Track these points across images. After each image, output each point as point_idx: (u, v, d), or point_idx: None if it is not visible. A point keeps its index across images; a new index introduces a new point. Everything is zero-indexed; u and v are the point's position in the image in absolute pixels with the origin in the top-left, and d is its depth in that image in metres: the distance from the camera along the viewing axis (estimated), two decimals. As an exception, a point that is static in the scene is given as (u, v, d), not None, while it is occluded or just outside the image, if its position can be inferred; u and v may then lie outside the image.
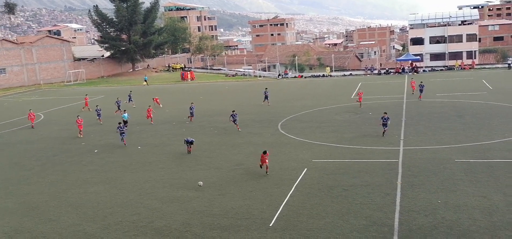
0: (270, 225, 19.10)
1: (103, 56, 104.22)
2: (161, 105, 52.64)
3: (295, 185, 23.69)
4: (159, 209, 21.70)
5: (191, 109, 43.77)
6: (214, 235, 18.50)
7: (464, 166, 24.77)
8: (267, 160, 25.59)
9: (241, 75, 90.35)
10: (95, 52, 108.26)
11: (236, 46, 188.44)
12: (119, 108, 48.00)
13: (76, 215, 21.61)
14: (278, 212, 20.35)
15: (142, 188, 25.01)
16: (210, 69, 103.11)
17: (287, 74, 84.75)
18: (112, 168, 29.22)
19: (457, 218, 18.39)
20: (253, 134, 36.32)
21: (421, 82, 49.89)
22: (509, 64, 72.98)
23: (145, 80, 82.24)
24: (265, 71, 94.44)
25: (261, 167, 25.94)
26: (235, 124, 37.69)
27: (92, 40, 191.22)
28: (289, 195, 22.32)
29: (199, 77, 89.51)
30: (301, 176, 25.07)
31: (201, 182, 23.49)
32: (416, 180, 23.21)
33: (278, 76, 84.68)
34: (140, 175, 27.38)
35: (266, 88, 51.89)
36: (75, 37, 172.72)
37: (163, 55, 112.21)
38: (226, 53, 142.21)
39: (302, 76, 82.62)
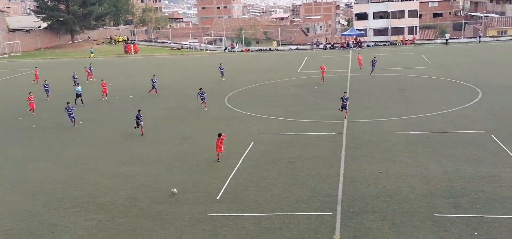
0: (217, 198, 19.15)
1: (39, 27, 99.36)
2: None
3: (242, 159, 23.79)
4: (103, 185, 21.21)
5: (152, 81, 42.82)
6: (161, 209, 18.34)
7: (404, 138, 25.75)
8: (223, 147, 23.31)
9: (187, 48, 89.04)
10: (31, 23, 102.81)
11: (181, 18, 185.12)
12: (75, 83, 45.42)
13: (16, 192, 20.74)
14: (225, 185, 20.41)
15: (85, 164, 24.31)
16: (154, 42, 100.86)
17: (233, 47, 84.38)
18: (55, 144, 28.19)
19: (397, 187, 19.15)
20: (200, 108, 36.00)
21: (374, 57, 50.34)
22: (447, 39, 76.01)
23: (91, 52, 79.50)
24: (211, 44, 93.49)
25: (218, 158, 23.43)
26: (204, 102, 35.33)
27: (28, 10, 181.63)
28: (236, 168, 22.41)
29: (143, 50, 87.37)
30: (248, 150, 25.20)
31: (175, 190, 20.04)
32: (359, 152, 23.92)
33: (225, 49, 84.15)
34: (84, 151, 26.58)
35: (221, 63, 51.22)
36: (9, 7, 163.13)
37: (105, 27, 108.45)
38: (171, 26, 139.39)
39: (248, 50, 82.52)
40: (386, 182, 19.74)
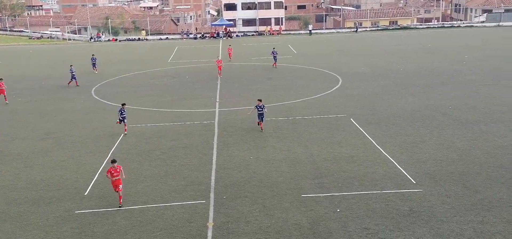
0: (85, 194, 18.09)
1: None
2: None
3: (111, 152, 22.78)
4: (-50, 189, 18.82)
5: (72, 72, 39.26)
6: (21, 210, 16.80)
7: (273, 124, 26.77)
8: (121, 179, 17.00)
9: (48, 38, 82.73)
10: None
11: (41, 6, 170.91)
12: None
13: None
14: (94, 180, 19.37)
15: None
16: (10, 31, 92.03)
17: (100, 37, 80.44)
18: None
19: (267, 172, 19.84)
20: (64, 100, 33.70)
21: (274, 48, 48.40)
22: (310, 30, 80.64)
23: None
24: (75, 34, 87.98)
25: (116, 191, 17.05)
26: (124, 123, 25.87)
27: None
28: (105, 162, 21.37)
29: (-3, 39, 79.34)
30: (117, 142, 24.21)
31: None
32: (231, 139, 24.32)
33: (90, 39, 79.84)
34: None
35: (93, 54, 47.74)
36: None
37: None
38: (29, 13, 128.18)
39: (116, 40, 79.31)
40: (256, 167, 20.34)
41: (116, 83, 40.39)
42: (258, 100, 26.04)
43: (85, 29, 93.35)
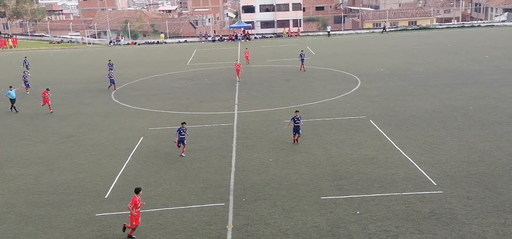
0: (106, 197, 18.30)
1: None
2: None
3: (131, 155, 23.01)
4: (-26, 192, 19.22)
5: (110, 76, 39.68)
6: (42, 213, 17.07)
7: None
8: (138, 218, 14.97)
9: (68, 42, 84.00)
10: None
11: (61, 11, 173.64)
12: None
13: None
14: (114, 183, 19.58)
15: (-49, 170, 21.84)
16: (31, 35, 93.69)
17: (119, 41, 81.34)
18: None
19: (286, 174, 19.80)
20: (83, 104, 34.18)
21: (302, 51, 47.60)
22: (328, 32, 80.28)
23: None
24: (95, 37, 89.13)
25: (135, 225, 15.02)
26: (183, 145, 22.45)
27: None
28: (125, 165, 21.60)
29: (19, 44, 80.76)
30: (137, 145, 24.43)
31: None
32: (250, 141, 24.34)
33: (110, 43, 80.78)
34: (-51, 155, 23.87)
35: (110, 60, 47.77)
36: None
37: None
38: (50, 18, 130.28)
39: (135, 43, 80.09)
40: (275, 170, 20.31)
41: (136, 86, 40.78)
42: (295, 111, 23.67)
43: (105, 33, 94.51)
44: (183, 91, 38.34)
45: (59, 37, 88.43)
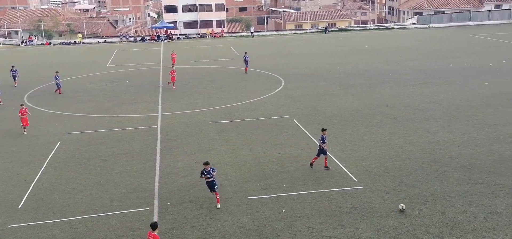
0: (19, 206, 17.18)
1: None
2: None
3: (47, 161, 21.81)
4: None
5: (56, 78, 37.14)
6: None
7: (217, 127, 26.63)
8: None
9: (-26, 41, 78.20)
10: None
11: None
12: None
13: None
14: (28, 192, 18.43)
15: None
16: None
17: (32, 41, 76.93)
18: None
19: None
20: (-6, 109, 31.90)
21: (246, 53, 45.94)
22: (252, 32, 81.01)
23: None
24: (5, 37, 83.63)
25: None
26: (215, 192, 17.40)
27: None
28: (40, 172, 20.42)
29: None
30: (53, 151, 23.20)
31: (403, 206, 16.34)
32: (174, 144, 23.95)
33: (21, 43, 76.18)
34: None
35: (13, 66, 44.15)
36: None
37: None
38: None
39: (50, 44, 76.17)
40: (201, 171, 20.12)
41: (51, 89, 38.72)
42: (322, 129, 20.03)
43: (16, 32, 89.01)
44: (103, 93, 36.98)
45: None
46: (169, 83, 38.38)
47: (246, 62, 44.54)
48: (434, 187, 17.82)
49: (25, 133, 26.23)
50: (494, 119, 26.36)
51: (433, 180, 18.44)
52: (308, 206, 16.61)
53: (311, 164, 20.14)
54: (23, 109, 26.58)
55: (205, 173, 16.74)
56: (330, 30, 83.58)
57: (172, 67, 46.45)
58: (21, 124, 26.34)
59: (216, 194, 16.92)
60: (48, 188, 18.79)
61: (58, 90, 37.14)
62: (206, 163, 16.83)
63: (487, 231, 14.57)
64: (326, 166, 19.92)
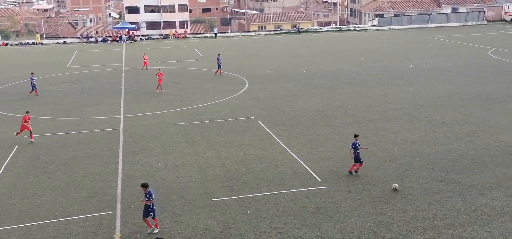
0: (-25, 214, 16.54)
1: None
2: None
3: (4, 166, 21.09)
4: None
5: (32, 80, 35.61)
6: None
7: (181, 129, 26.39)
8: None
9: None
10: None
11: None
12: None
13: None
14: (-16, 198, 17.77)
15: None
16: None
17: (-12, 41, 74.28)
18: None
19: (176, 178, 19.49)
20: None
21: (219, 55, 44.43)
22: (215, 33, 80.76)
23: None
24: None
25: None
26: None
27: None
28: (-3, 177, 19.73)
29: None
30: (11, 155, 22.45)
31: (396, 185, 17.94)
32: (137, 146, 23.58)
33: (-23, 43, 73.47)
34: None
35: None
36: None
37: None
38: None
39: (6, 44, 73.75)
40: (165, 174, 19.91)
41: (8, 90, 37.47)
42: (354, 135, 19.64)
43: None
44: (63, 95, 36.05)
45: None
46: (157, 87, 36.40)
47: (219, 65, 43.64)
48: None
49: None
50: (452, 119, 27.20)
51: (395, 179, 18.84)
52: (272, 207, 16.67)
53: (356, 172, 19.39)
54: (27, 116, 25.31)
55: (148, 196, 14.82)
56: (301, 30, 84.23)
57: (144, 68, 45.67)
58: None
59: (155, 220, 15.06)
60: (5, 193, 18.16)
61: (34, 91, 35.92)
62: (145, 186, 15.00)
63: (446, 228, 15.01)
64: (350, 171, 19.45)
